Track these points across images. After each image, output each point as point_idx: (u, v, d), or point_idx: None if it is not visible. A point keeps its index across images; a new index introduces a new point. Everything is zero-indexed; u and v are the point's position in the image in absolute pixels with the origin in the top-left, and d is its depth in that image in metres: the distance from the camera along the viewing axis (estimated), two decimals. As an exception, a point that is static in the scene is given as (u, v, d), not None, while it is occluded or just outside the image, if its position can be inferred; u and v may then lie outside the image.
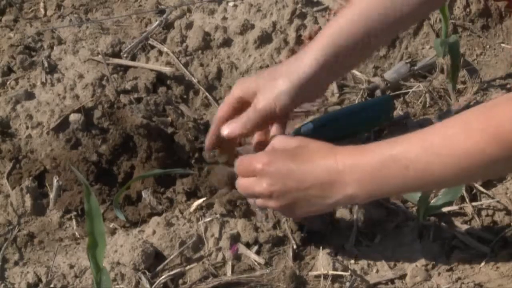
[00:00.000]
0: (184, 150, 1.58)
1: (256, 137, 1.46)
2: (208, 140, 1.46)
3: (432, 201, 1.48)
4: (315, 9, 1.90)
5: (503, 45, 1.89)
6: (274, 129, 1.42)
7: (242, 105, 1.42)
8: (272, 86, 1.39)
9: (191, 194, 1.52)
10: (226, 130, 1.41)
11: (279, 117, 1.41)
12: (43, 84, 1.72)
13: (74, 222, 1.51)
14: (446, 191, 1.51)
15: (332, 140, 1.62)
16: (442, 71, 1.79)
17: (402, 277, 1.42)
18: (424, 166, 1.21)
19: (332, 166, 1.27)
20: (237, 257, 1.42)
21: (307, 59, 1.39)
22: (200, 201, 1.48)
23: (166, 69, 1.78)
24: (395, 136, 1.52)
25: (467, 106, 1.70)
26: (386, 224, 1.49)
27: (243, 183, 1.36)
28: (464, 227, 1.49)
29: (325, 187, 1.28)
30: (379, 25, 1.40)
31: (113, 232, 1.47)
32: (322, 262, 1.41)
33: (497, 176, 1.56)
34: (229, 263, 1.41)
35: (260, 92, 1.40)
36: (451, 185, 1.44)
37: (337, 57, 1.39)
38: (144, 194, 1.52)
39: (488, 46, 1.89)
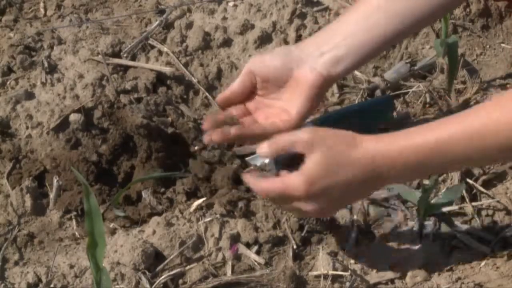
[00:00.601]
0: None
1: (233, 110, 1.49)
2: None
3: (432, 201, 1.48)
4: (315, 9, 1.90)
5: (503, 45, 1.89)
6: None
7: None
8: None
9: (191, 194, 1.52)
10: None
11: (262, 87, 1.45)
12: (43, 84, 1.72)
13: (74, 222, 1.51)
14: (446, 191, 1.51)
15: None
16: (442, 71, 1.79)
17: (402, 277, 1.42)
18: (463, 152, 1.23)
19: (371, 170, 1.26)
20: (237, 257, 1.42)
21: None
22: (200, 201, 1.48)
23: (166, 69, 1.78)
24: None
25: (467, 106, 1.70)
26: (386, 224, 1.49)
27: (284, 206, 1.34)
28: (464, 227, 1.49)
29: (366, 187, 1.29)
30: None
31: (113, 232, 1.47)
32: (322, 262, 1.41)
33: None
34: (229, 263, 1.41)
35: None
36: (486, 164, 1.57)
37: None
38: (144, 194, 1.52)
39: (488, 46, 1.89)
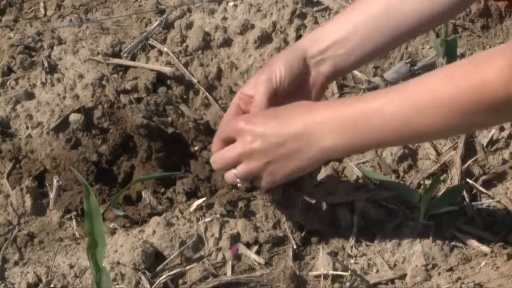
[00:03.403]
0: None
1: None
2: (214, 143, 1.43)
3: (432, 201, 1.48)
4: (315, 9, 1.90)
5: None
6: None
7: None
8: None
9: (191, 194, 1.52)
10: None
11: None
12: (43, 84, 1.72)
13: (74, 222, 1.51)
14: (446, 191, 1.51)
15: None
16: (442, 71, 1.79)
17: (402, 277, 1.42)
18: (403, 118, 1.21)
19: (309, 118, 1.27)
20: (237, 257, 1.42)
21: None
22: (200, 201, 1.48)
23: (166, 69, 1.78)
24: None
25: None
26: (386, 224, 1.49)
27: (221, 153, 1.36)
28: (464, 227, 1.49)
29: (302, 139, 1.28)
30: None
31: (113, 232, 1.47)
32: (322, 262, 1.41)
33: (474, 130, 1.58)
34: (229, 263, 1.41)
35: None
36: (429, 138, 1.46)
37: None
38: (144, 194, 1.52)
39: (488, 46, 1.89)
